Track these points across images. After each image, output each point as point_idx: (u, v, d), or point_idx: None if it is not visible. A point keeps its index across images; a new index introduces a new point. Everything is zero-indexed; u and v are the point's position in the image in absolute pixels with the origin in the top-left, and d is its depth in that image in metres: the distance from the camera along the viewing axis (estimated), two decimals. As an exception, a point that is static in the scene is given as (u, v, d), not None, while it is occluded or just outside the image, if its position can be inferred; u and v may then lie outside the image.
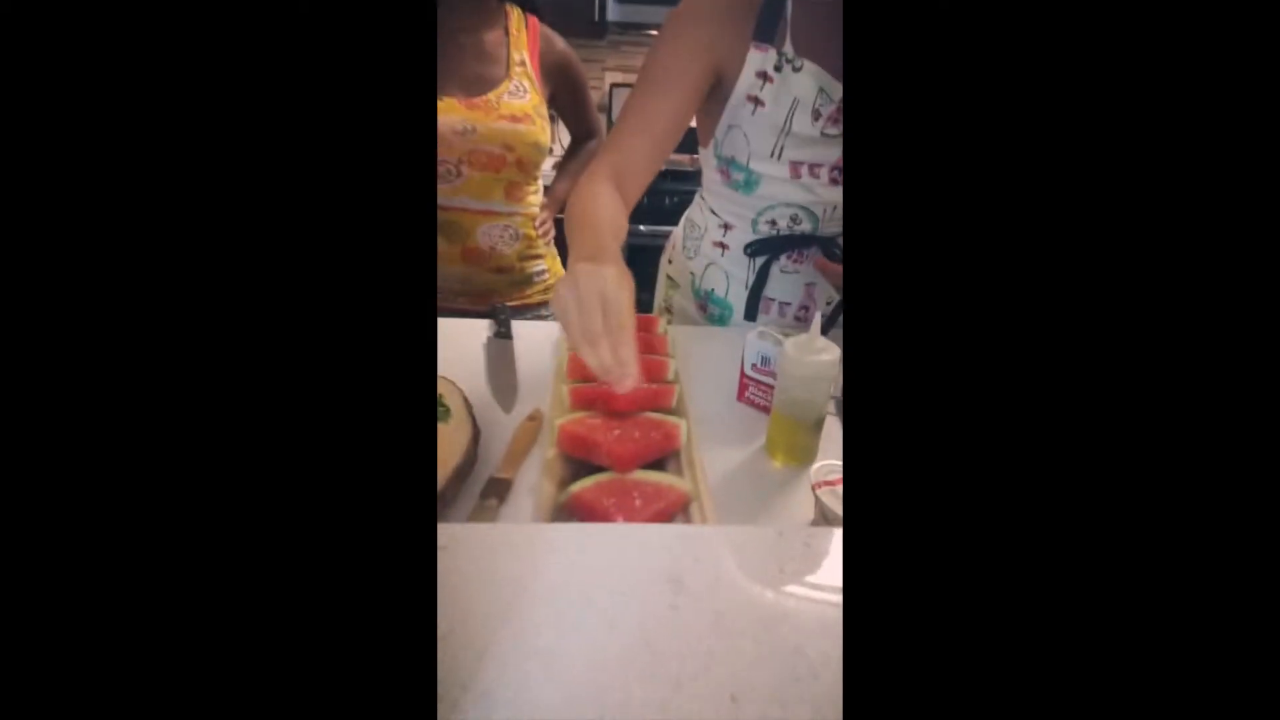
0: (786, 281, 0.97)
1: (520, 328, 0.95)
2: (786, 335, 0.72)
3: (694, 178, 2.41)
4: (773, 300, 0.98)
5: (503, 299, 1.19)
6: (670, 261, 1.09)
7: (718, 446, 0.71)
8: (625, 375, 0.55)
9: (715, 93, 0.84)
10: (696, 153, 0.97)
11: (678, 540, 0.45)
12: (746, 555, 0.44)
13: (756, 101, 0.82)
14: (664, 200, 2.39)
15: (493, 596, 0.40)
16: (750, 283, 0.97)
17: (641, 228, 2.35)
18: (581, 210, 0.71)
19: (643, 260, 2.68)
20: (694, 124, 0.93)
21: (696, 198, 1.04)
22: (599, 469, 0.63)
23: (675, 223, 1.13)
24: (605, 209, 0.71)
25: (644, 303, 0.70)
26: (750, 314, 0.98)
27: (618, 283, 0.56)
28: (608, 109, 2.74)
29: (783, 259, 0.95)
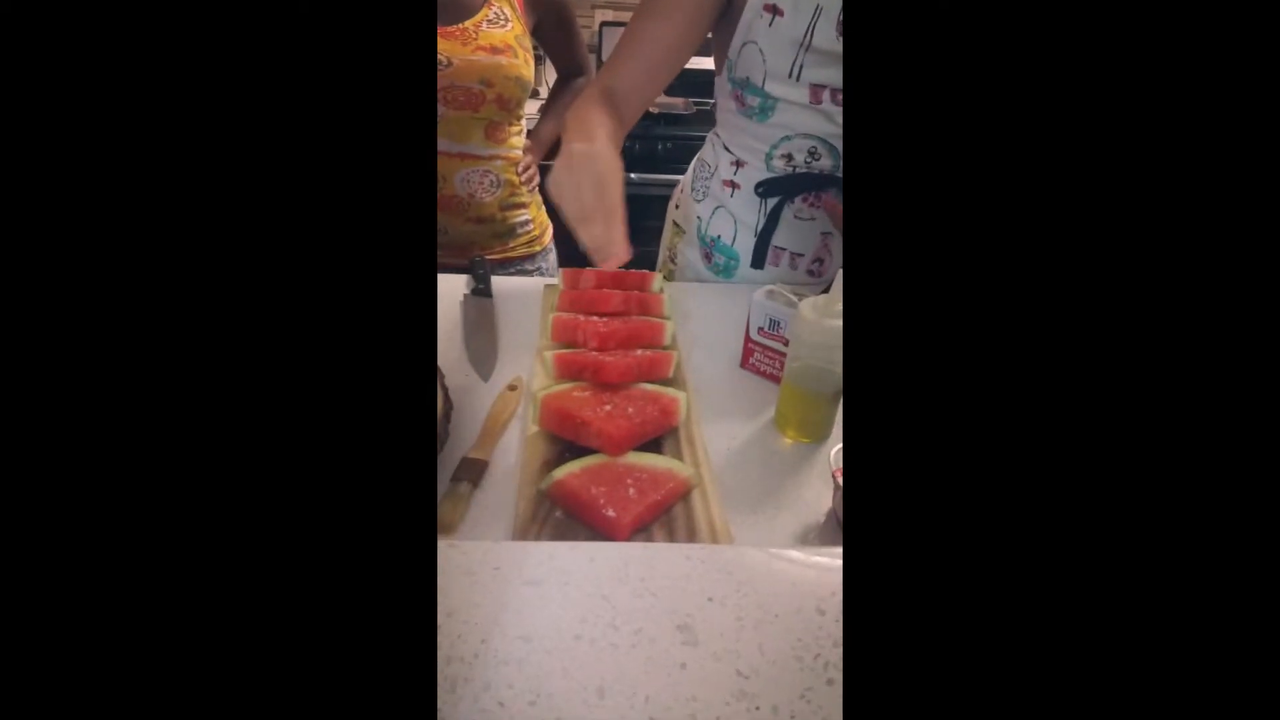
0: (799, 229, 0.88)
1: (501, 284, 0.88)
2: (800, 296, 0.64)
3: (689, 122, 2.26)
4: (783, 250, 0.89)
5: (482, 252, 1.10)
6: (677, 207, 1.00)
7: (720, 420, 0.64)
8: (614, 253, 0.60)
9: (730, 10, 0.77)
10: (692, 96, 0.88)
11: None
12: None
13: (775, 11, 0.73)
14: (656, 146, 2.25)
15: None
16: (759, 228, 0.88)
17: (633, 175, 2.22)
18: (577, 119, 0.70)
19: (632, 210, 2.56)
20: (711, 65, 0.84)
21: (710, 135, 0.95)
22: (587, 450, 0.55)
23: (668, 170, 1.04)
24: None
25: (638, 257, 0.64)
26: (758, 262, 0.90)
27: (610, 163, 0.61)
28: (597, 49, 2.57)
29: (797, 201, 0.86)
